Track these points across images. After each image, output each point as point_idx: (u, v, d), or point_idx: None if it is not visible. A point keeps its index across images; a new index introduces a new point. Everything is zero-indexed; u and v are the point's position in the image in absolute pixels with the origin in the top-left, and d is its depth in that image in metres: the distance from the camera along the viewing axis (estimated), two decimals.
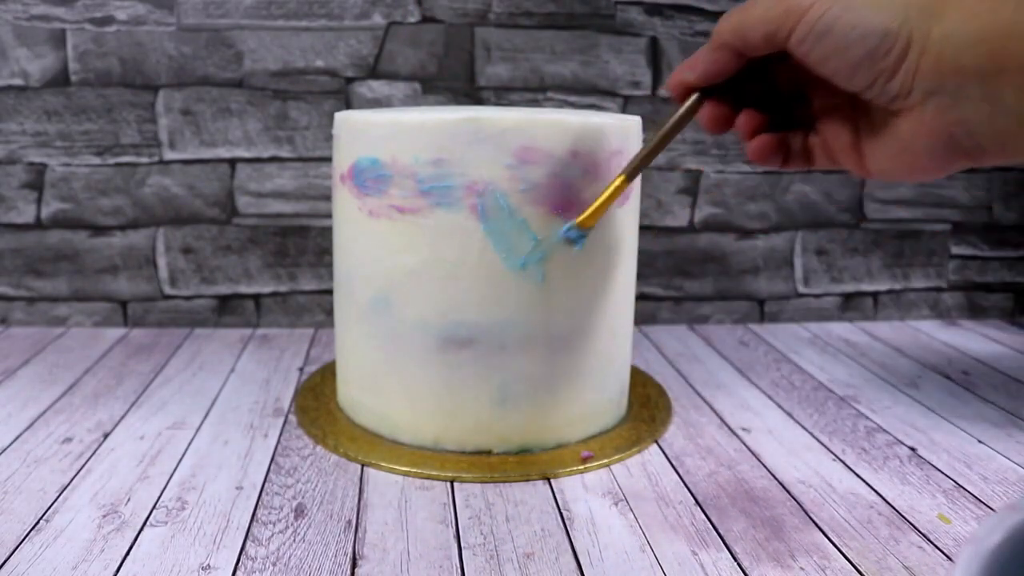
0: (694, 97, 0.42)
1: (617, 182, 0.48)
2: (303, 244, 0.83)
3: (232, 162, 0.81)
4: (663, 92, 0.84)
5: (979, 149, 0.33)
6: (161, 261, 0.82)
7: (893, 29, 0.33)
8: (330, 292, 0.84)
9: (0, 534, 0.44)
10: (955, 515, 0.48)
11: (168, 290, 0.83)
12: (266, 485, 0.50)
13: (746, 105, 0.42)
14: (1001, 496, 0.51)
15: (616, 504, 0.49)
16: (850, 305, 0.91)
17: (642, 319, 0.87)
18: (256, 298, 0.84)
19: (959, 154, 0.34)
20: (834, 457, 0.56)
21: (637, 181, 0.57)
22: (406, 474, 0.52)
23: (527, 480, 0.52)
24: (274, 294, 0.84)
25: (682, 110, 0.42)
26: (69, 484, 0.50)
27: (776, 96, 0.43)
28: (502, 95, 0.82)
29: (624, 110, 0.84)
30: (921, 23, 0.32)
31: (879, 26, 0.33)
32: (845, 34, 0.34)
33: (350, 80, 0.80)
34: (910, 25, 0.32)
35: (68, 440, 0.56)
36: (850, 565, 0.43)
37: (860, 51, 0.34)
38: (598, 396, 0.57)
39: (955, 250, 0.91)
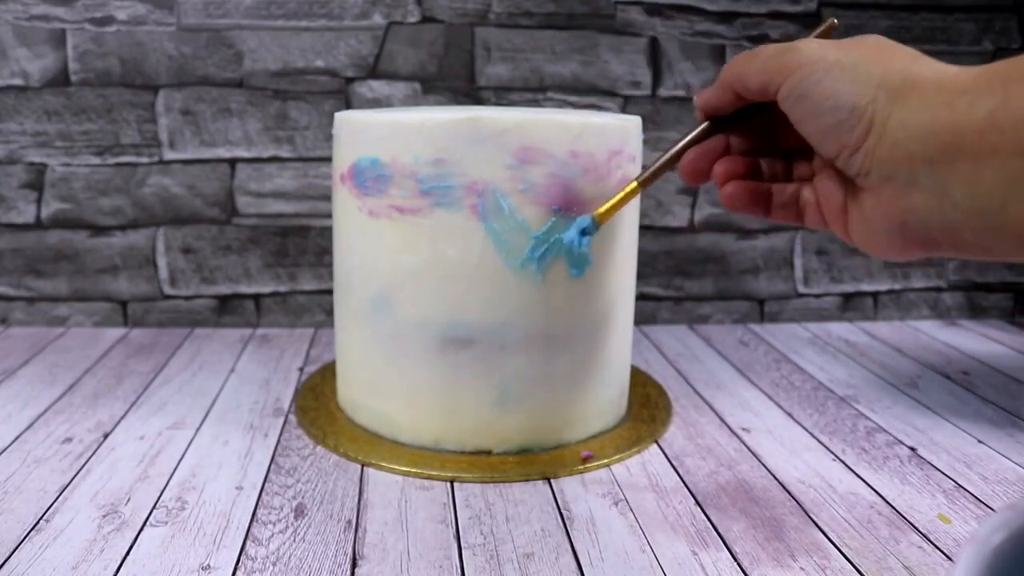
0: (705, 124, 0.43)
1: (631, 187, 0.48)
2: (303, 244, 0.83)
3: (232, 162, 0.81)
4: (663, 93, 0.84)
5: (931, 240, 0.33)
6: (161, 261, 0.82)
7: (861, 106, 0.33)
8: (330, 292, 0.84)
9: (0, 534, 0.44)
10: (955, 515, 0.48)
11: (168, 290, 0.83)
12: (266, 485, 0.50)
13: (757, 152, 0.43)
14: (1001, 496, 0.51)
15: (616, 504, 0.49)
16: (850, 305, 0.91)
17: (642, 319, 0.87)
18: (256, 298, 0.84)
19: (913, 242, 0.34)
20: (834, 457, 0.56)
21: None
22: (406, 474, 0.52)
23: (527, 480, 0.52)
24: (274, 294, 0.84)
25: (694, 133, 0.44)
26: (69, 484, 0.50)
27: (777, 146, 0.43)
28: (502, 95, 0.82)
29: (624, 110, 0.84)
30: (885, 105, 0.32)
31: (849, 101, 0.33)
32: (820, 101, 0.34)
33: (350, 80, 0.80)
34: (876, 106, 0.33)
35: (68, 440, 0.56)
36: (850, 565, 0.43)
37: (830, 121, 0.34)
38: (598, 396, 0.57)
39: None
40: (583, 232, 0.50)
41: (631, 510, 0.48)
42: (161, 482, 0.50)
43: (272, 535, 0.45)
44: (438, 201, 0.51)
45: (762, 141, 0.43)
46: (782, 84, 0.36)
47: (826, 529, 0.46)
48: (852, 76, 0.33)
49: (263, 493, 0.49)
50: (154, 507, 0.47)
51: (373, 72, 0.80)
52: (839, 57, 0.34)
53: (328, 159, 0.81)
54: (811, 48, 0.35)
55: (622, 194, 0.48)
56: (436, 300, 0.53)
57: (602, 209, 0.49)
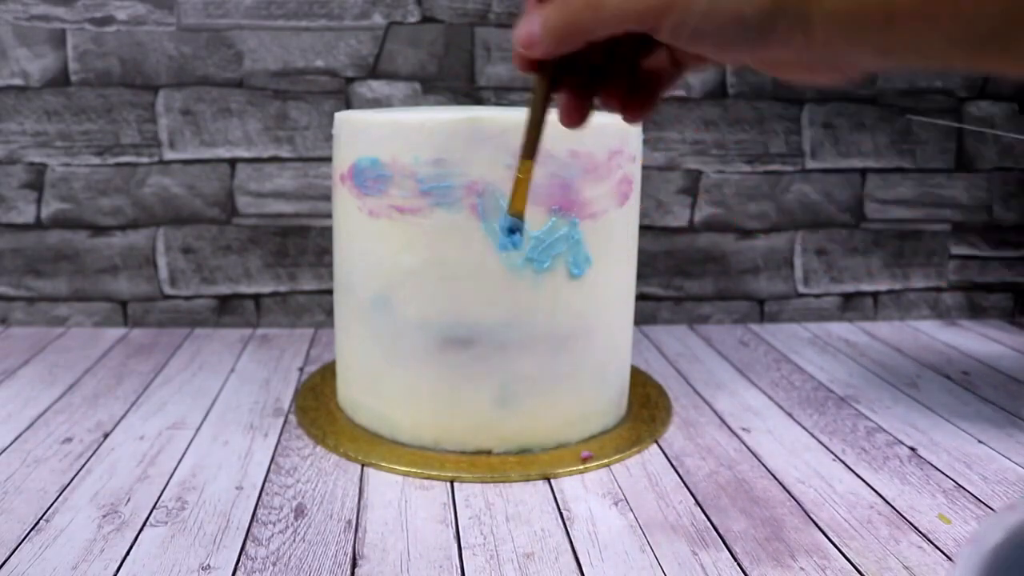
0: (543, 81, 0.40)
1: (526, 166, 0.46)
2: (303, 244, 0.83)
3: (232, 162, 0.81)
4: None
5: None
6: (161, 261, 0.82)
7: (767, 9, 0.30)
8: (330, 292, 0.84)
9: (0, 534, 0.44)
10: (955, 515, 0.48)
11: (168, 290, 0.83)
12: (266, 485, 0.50)
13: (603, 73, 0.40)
14: (1001, 496, 0.51)
15: (616, 504, 0.49)
16: (850, 305, 0.90)
17: (642, 319, 0.87)
18: (256, 298, 0.84)
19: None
20: (834, 457, 0.56)
21: (637, 181, 0.57)
22: (406, 474, 0.52)
23: (527, 480, 0.52)
24: (274, 294, 0.84)
25: (539, 93, 0.41)
26: (69, 484, 0.50)
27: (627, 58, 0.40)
28: (502, 95, 0.82)
29: None
30: (799, 5, 0.30)
31: (753, 15, 0.31)
32: (720, 26, 0.32)
33: (350, 80, 0.80)
34: (787, 8, 0.30)
35: (68, 440, 0.56)
36: (850, 565, 0.43)
37: (741, 41, 0.32)
38: (598, 396, 0.57)
39: (955, 250, 0.91)
40: (511, 231, 0.49)
41: (631, 510, 0.48)
42: (161, 482, 0.50)
43: (272, 535, 0.45)
44: (438, 201, 0.51)
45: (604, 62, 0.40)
46: (660, 26, 0.33)
47: (826, 529, 0.46)
48: None
49: (263, 493, 0.49)
50: (154, 507, 0.47)
51: (373, 72, 0.80)
52: None
53: (328, 159, 0.81)
54: None
55: (521, 176, 0.46)
56: (436, 300, 0.53)
57: (513, 202, 0.47)
